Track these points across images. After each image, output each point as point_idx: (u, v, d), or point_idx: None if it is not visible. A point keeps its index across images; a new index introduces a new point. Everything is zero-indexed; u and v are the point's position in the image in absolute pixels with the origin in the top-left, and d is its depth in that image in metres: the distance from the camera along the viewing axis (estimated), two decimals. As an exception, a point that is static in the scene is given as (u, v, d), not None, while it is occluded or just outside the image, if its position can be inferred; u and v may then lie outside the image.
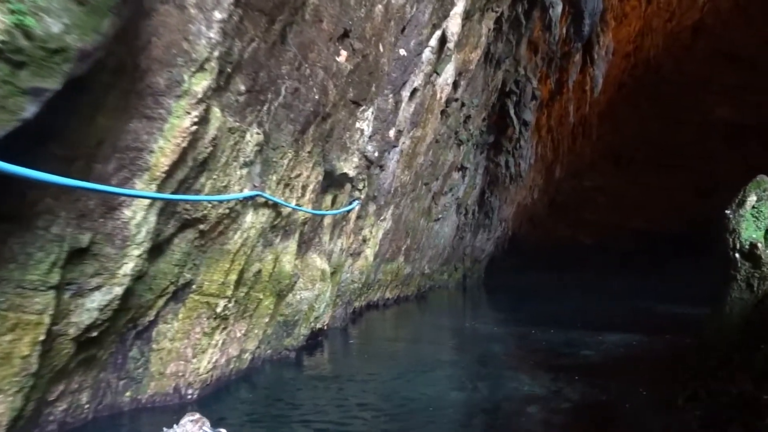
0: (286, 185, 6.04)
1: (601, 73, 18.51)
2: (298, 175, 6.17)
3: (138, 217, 4.04)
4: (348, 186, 8.12)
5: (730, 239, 6.39)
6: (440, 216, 17.73)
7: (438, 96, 12.22)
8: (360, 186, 8.47)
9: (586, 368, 8.19)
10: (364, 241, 10.40)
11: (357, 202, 8.64)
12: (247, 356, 6.89)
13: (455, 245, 21.54)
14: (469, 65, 13.85)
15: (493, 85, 16.62)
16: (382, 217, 11.20)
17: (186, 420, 3.84)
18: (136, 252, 4.11)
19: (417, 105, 10.38)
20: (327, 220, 7.97)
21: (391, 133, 8.90)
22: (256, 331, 6.84)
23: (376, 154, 8.42)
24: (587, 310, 15.97)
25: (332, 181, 7.45)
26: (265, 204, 5.71)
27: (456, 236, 21.00)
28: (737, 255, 6.31)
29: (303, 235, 7.25)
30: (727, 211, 6.50)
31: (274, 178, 5.74)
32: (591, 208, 30.79)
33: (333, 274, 9.49)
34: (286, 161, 5.79)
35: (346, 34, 6.50)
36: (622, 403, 6.38)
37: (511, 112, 17.24)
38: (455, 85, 13.86)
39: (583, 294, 20.47)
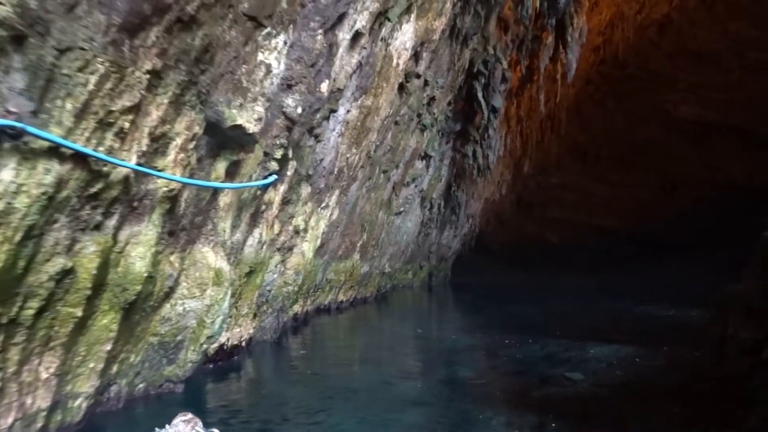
0: (105, 125, 3.29)
1: (574, 57, 16.09)
2: (130, 111, 3.41)
3: None
4: (258, 151, 5.41)
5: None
6: (402, 209, 15.09)
7: (394, 61, 9.58)
8: (277, 154, 5.75)
9: (580, 404, 5.59)
10: (297, 232, 7.69)
11: (274, 177, 5.93)
12: (81, 403, 4.13)
13: (420, 242, 18.92)
14: (432, 35, 11.25)
15: (459, 65, 14.05)
16: (323, 204, 8.50)
17: (178, 420, 3.61)
18: None
19: (364, 61, 7.73)
20: (225, 199, 5.24)
21: (324, 86, 6.22)
22: (91, 364, 4.09)
23: (300, 110, 5.73)
24: (563, 314, 13.45)
25: (224, 139, 4.73)
26: (55, 152, 2.98)
27: (421, 233, 18.39)
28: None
29: (175, 218, 4.52)
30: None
31: (69, 106, 3.01)
32: (558, 206, 28.55)
33: (250, 274, 6.77)
34: (92, 79, 3.05)
35: None
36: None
37: (479, 95, 14.69)
38: (416, 57, 11.26)
39: (554, 294, 17.98)
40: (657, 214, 27.45)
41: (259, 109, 4.77)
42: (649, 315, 12.93)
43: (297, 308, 10.34)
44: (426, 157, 14.87)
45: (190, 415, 3.67)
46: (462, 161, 17.19)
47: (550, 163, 26.33)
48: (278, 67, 4.92)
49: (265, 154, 5.62)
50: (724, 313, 8.70)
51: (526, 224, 28.53)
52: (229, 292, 5.30)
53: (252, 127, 4.73)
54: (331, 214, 9.15)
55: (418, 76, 12.12)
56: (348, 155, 8.61)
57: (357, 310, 13.79)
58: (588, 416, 5.20)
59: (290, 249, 7.70)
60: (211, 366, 6.77)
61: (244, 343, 7.32)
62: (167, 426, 3.63)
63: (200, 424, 3.62)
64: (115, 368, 4.55)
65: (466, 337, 10.18)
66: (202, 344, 5.32)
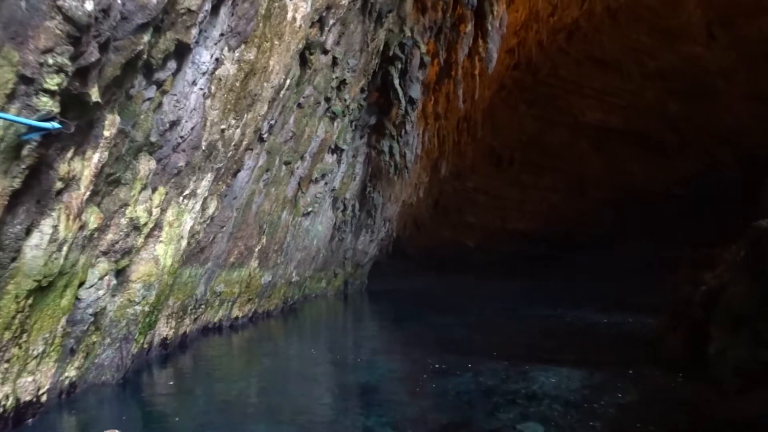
0: None
1: (495, 47, 14.26)
2: None
3: None
4: (5, 70, 2.74)
5: None
6: (311, 209, 12.51)
7: (290, 14, 7.07)
8: (52, 83, 3.10)
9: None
10: (138, 228, 4.96)
11: (53, 125, 3.24)
12: None
13: (334, 247, 16.38)
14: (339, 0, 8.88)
15: (373, 46, 11.72)
16: (186, 191, 5.82)
17: None
18: None
19: (237, -12, 5.21)
20: None
21: (153, -12, 3.63)
22: None
23: (91, 8, 3.11)
24: (490, 325, 11.34)
25: None
26: None
27: (335, 237, 15.87)
28: None
29: None
30: None
31: None
32: (473, 210, 27.00)
33: (43, 291, 4.01)
34: None
35: None
36: None
37: (396, 83, 12.46)
38: (321, 23, 8.83)
39: (476, 301, 15.95)
40: (567, 216, 26.63)
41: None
42: (583, 323, 11.07)
43: (167, 331, 7.50)
44: (337, 150, 12.42)
45: None
46: (378, 158, 14.89)
47: (466, 167, 24.71)
48: None
49: (26, 79, 2.94)
50: (690, 322, 6.83)
51: (443, 229, 26.71)
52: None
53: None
54: (204, 207, 6.46)
55: (325, 52, 9.70)
56: (223, 126, 5.98)
57: (258, 328, 11.01)
58: None
59: (127, 252, 4.96)
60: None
61: (46, 397, 4.51)
62: None
63: None
64: None
65: (387, 360, 7.75)
66: None
